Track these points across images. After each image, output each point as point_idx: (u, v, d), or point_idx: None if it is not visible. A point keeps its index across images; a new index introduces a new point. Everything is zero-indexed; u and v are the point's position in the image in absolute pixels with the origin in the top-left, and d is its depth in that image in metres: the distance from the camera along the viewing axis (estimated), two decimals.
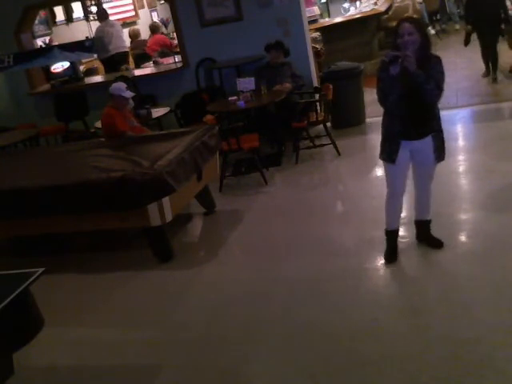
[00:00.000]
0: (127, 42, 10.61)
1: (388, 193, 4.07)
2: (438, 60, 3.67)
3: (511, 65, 8.31)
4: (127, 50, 9.78)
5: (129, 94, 5.84)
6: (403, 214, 4.43)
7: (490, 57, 8.09)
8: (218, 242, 5.05)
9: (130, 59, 10.75)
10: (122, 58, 9.43)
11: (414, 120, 3.71)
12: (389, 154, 3.87)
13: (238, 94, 6.55)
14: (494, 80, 7.99)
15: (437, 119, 3.80)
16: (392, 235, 4.17)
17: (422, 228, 4.23)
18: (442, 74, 3.63)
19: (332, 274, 4.15)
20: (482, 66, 8.64)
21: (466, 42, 8.27)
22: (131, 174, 4.51)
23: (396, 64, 3.50)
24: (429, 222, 4.20)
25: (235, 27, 7.40)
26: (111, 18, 11.20)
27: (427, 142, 3.79)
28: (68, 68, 8.52)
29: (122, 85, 5.89)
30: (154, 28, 10.98)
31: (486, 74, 8.24)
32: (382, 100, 3.72)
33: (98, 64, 10.57)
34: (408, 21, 3.63)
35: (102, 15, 9.89)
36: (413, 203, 4.26)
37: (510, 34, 8.29)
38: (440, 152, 3.86)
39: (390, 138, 3.84)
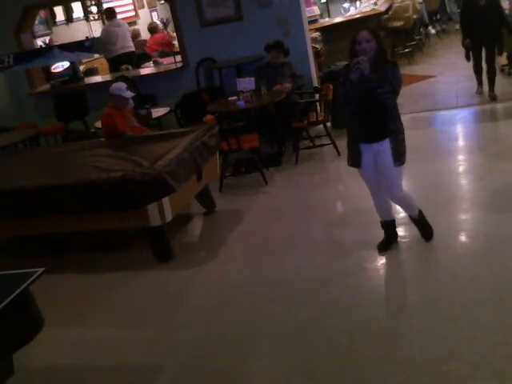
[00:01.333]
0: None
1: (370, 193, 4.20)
2: (395, 65, 3.86)
3: (502, 64, 8.32)
4: (133, 49, 9.75)
5: (129, 94, 5.84)
6: (402, 214, 4.44)
7: (482, 71, 7.52)
8: (218, 242, 5.05)
9: None
10: (127, 58, 9.42)
11: (371, 122, 3.82)
12: (354, 159, 4.02)
13: (238, 93, 6.56)
14: (493, 99, 7.29)
15: (396, 122, 3.86)
16: (385, 225, 4.26)
17: (414, 221, 4.23)
18: (398, 78, 3.75)
19: (332, 273, 4.15)
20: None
21: (468, 58, 7.52)
22: (131, 173, 4.51)
23: (356, 70, 3.62)
24: (417, 216, 4.19)
25: (235, 27, 7.40)
26: None
27: (385, 145, 3.84)
28: (68, 68, 8.52)
29: (122, 85, 5.89)
30: (152, 28, 10.97)
31: (481, 90, 7.63)
32: (344, 103, 3.88)
33: (98, 64, 10.57)
34: (366, 29, 3.84)
35: (110, 14, 9.83)
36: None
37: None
38: (398, 155, 3.86)
39: (352, 142, 4.01)
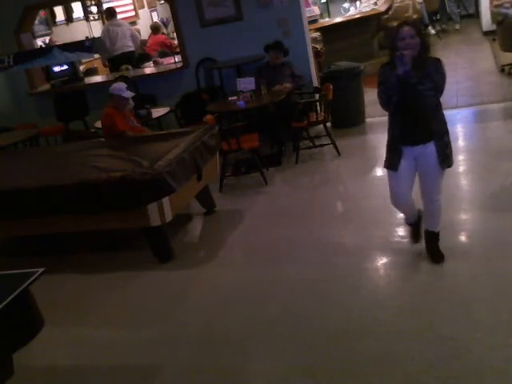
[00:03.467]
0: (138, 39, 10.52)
1: (391, 203, 3.98)
2: (438, 61, 3.60)
3: (502, 64, 8.32)
4: (133, 49, 9.74)
5: (129, 94, 5.84)
6: (402, 215, 4.43)
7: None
8: (218, 242, 5.05)
9: None
10: (127, 57, 9.41)
11: (413, 123, 3.62)
12: (391, 162, 3.77)
13: (238, 93, 6.55)
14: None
15: (440, 123, 3.66)
16: (411, 226, 4.18)
17: (429, 238, 4.04)
18: (441, 74, 3.55)
19: (332, 273, 4.15)
20: (482, 66, 8.63)
21: None
22: (131, 173, 4.51)
23: (401, 63, 3.42)
24: (436, 234, 3.99)
25: (235, 27, 7.40)
26: None
27: (430, 148, 3.65)
28: (66, 69, 8.52)
29: (122, 85, 5.89)
30: (155, 28, 10.97)
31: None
32: (386, 102, 3.62)
33: (97, 64, 10.56)
34: (408, 24, 3.58)
35: (110, 14, 9.84)
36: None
37: (501, 34, 8.26)
38: (444, 157, 3.66)
39: (392, 145, 3.76)
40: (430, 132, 3.64)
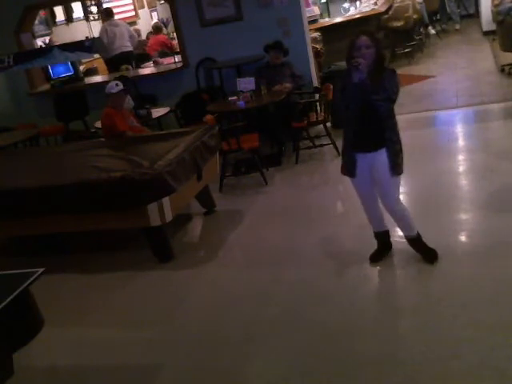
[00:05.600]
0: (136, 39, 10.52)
1: (364, 209, 4.07)
2: (393, 72, 3.69)
3: (502, 64, 8.32)
4: (131, 49, 9.74)
5: (117, 89, 5.78)
6: None
7: None
8: (218, 242, 5.05)
9: None
10: (125, 58, 9.41)
11: (366, 130, 3.70)
12: (348, 169, 3.89)
13: (238, 93, 6.55)
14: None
15: (392, 131, 3.72)
16: (377, 236, 4.15)
17: (411, 243, 4.03)
18: (395, 85, 3.62)
19: (332, 274, 4.15)
20: (482, 66, 8.62)
21: None
22: (131, 173, 4.51)
23: (356, 71, 3.53)
24: (415, 237, 3.98)
25: (235, 27, 7.39)
26: None
27: (382, 155, 3.71)
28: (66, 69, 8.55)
29: (112, 83, 5.90)
30: (156, 28, 10.96)
31: None
32: (343, 109, 3.72)
33: (97, 64, 10.56)
34: (365, 34, 3.69)
35: (107, 14, 9.84)
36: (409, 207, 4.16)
37: (500, 34, 8.26)
38: (395, 165, 3.72)
39: (347, 151, 3.87)
40: (382, 140, 3.70)
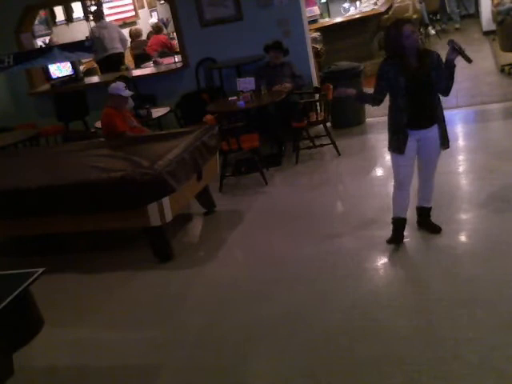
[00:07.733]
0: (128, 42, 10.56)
1: (395, 185, 4.23)
2: (438, 54, 3.97)
3: (502, 64, 8.31)
4: (120, 51, 9.74)
5: (127, 93, 5.83)
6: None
7: None
8: (218, 242, 5.05)
9: (130, 59, 10.74)
10: (115, 59, 9.42)
11: (423, 111, 3.96)
12: (398, 146, 4.04)
13: (238, 93, 6.55)
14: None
15: (441, 109, 4.03)
16: (398, 222, 4.27)
17: (424, 215, 4.39)
18: (443, 65, 3.93)
19: (332, 274, 4.15)
20: (482, 66, 8.61)
21: None
22: (131, 173, 4.51)
23: (455, 50, 3.83)
24: (429, 209, 4.38)
25: (235, 27, 7.39)
26: (111, 18, 11.18)
27: (433, 130, 4.02)
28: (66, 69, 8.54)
29: (120, 84, 5.89)
30: (157, 28, 10.96)
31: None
32: (379, 98, 4.05)
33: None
34: (406, 22, 3.93)
35: (97, 16, 9.89)
36: (415, 202, 4.32)
37: (500, 34, 8.26)
38: (444, 139, 4.06)
39: (399, 131, 4.02)
40: (435, 117, 4.00)
